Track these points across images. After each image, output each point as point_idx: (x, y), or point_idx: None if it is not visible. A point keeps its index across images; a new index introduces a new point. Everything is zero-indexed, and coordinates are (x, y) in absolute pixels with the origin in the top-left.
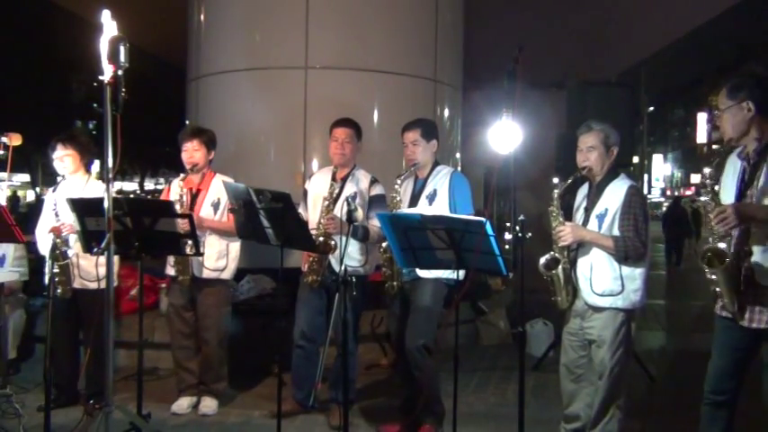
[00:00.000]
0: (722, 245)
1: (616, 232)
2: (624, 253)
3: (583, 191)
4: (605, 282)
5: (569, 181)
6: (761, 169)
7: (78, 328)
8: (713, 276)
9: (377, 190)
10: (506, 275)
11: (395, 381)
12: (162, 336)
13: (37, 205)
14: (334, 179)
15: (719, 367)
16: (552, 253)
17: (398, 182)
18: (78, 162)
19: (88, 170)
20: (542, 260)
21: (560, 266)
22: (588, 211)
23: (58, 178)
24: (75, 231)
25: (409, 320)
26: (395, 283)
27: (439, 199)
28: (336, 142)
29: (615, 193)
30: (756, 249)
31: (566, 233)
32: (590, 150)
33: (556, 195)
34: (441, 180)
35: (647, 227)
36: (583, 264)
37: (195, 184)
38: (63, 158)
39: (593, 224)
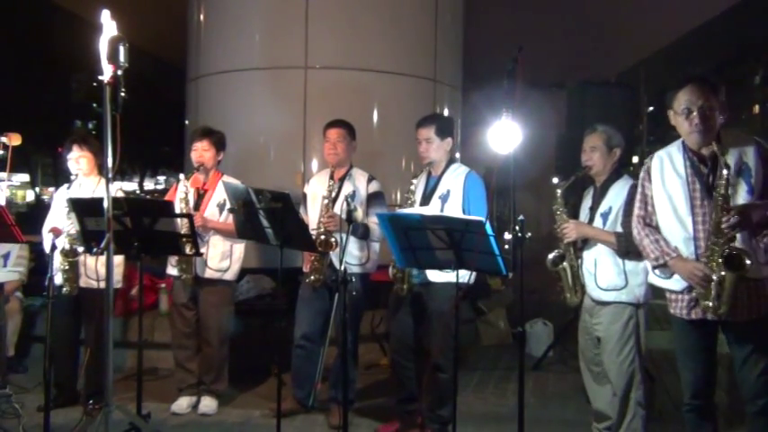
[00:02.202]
0: (748, 261)
1: (619, 229)
2: (626, 248)
3: (590, 192)
4: (609, 276)
5: (571, 180)
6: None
7: (79, 327)
8: (718, 276)
9: (374, 187)
10: (506, 275)
11: (395, 381)
12: (162, 336)
13: (37, 205)
14: (331, 178)
15: (690, 371)
16: (559, 250)
17: (414, 182)
18: (93, 164)
19: (101, 172)
20: (550, 256)
21: (566, 262)
22: (593, 210)
23: (72, 176)
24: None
25: (433, 332)
26: (405, 286)
27: (452, 200)
28: (329, 143)
29: (618, 192)
30: (738, 238)
31: (569, 229)
32: (593, 150)
33: (558, 194)
34: (455, 180)
35: None
36: (588, 259)
37: (201, 183)
38: (78, 160)
39: (597, 222)
